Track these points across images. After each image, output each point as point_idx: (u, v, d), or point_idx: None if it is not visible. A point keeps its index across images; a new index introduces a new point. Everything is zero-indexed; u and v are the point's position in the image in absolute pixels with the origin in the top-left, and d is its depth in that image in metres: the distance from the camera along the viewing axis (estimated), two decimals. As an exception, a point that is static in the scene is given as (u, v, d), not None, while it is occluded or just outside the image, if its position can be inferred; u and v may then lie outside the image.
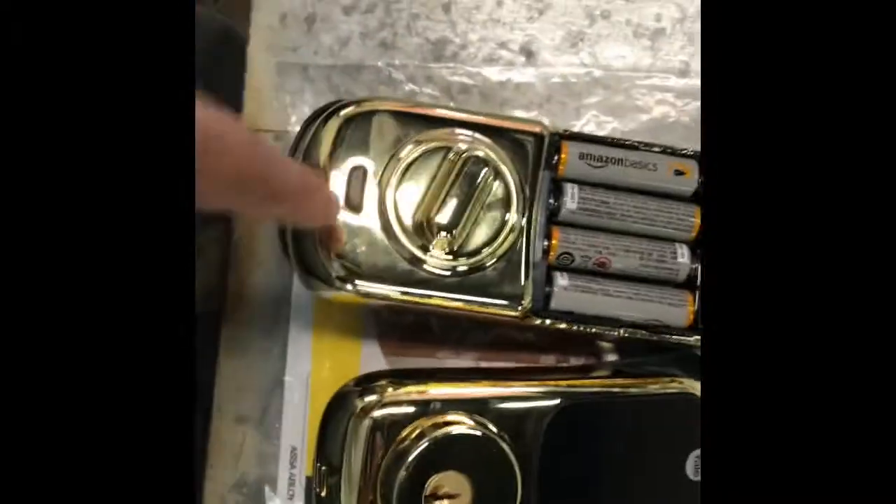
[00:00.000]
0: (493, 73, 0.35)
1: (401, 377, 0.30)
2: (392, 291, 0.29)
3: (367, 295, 0.29)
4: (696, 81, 0.35)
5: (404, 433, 0.28)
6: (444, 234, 0.28)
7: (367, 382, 0.30)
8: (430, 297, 0.29)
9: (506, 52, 0.35)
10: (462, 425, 0.28)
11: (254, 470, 0.34)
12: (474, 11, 0.35)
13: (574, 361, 0.35)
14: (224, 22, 0.48)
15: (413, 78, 0.35)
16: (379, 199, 0.28)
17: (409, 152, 0.29)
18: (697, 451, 0.32)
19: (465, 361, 0.35)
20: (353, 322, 0.35)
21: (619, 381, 0.32)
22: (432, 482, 0.27)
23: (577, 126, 0.34)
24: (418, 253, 0.28)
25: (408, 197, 0.29)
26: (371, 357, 0.35)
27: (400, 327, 0.35)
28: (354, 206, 0.28)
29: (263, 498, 0.34)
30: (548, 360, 0.35)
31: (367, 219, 0.29)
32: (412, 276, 0.29)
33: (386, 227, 0.28)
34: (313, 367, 0.35)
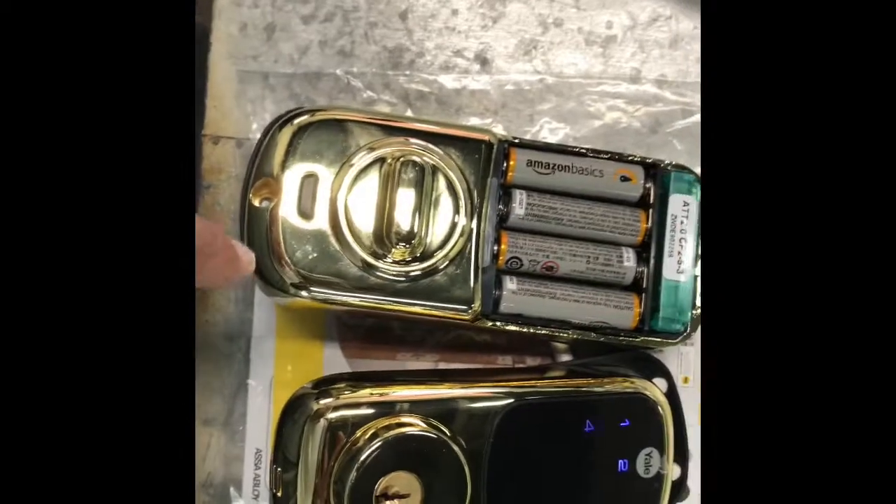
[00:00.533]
0: (449, 81, 0.36)
1: (358, 380, 0.31)
2: (345, 297, 0.30)
3: (323, 301, 0.30)
4: (646, 87, 0.36)
5: (358, 434, 0.28)
6: (402, 244, 0.29)
7: (324, 385, 0.30)
8: (383, 301, 0.30)
9: (461, 60, 0.36)
10: (413, 427, 0.29)
11: (220, 471, 0.34)
12: (430, 20, 0.36)
13: (530, 362, 0.36)
14: (201, 24, 0.49)
15: (371, 85, 0.35)
16: (330, 207, 0.29)
17: (360, 159, 0.29)
18: (648, 449, 0.33)
19: (424, 363, 0.35)
20: (315, 326, 0.35)
21: (572, 380, 0.32)
22: (383, 482, 0.28)
23: (531, 132, 0.35)
24: (370, 259, 0.29)
25: (360, 204, 0.29)
26: (333, 360, 0.36)
27: (361, 330, 0.36)
28: (306, 213, 0.29)
29: (229, 498, 0.34)
30: (504, 360, 0.36)
31: (320, 226, 0.29)
32: (365, 281, 0.29)
33: (337, 233, 0.29)
34: (276, 371, 0.35)
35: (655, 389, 0.33)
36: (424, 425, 0.29)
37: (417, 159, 0.29)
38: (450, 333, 0.35)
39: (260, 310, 0.35)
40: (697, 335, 0.36)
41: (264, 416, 0.35)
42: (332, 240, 0.29)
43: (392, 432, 0.28)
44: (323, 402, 0.29)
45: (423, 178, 0.29)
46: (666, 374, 0.35)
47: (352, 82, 0.35)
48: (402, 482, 0.28)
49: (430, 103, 0.35)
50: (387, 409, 0.29)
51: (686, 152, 0.35)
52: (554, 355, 0.35)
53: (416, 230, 0.29)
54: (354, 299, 0.29)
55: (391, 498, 0.28)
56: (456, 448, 0.29)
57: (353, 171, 0.29)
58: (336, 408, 0.29)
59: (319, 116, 0.29)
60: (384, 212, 0.29)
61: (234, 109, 0.35)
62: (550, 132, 0.35)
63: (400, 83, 0.36)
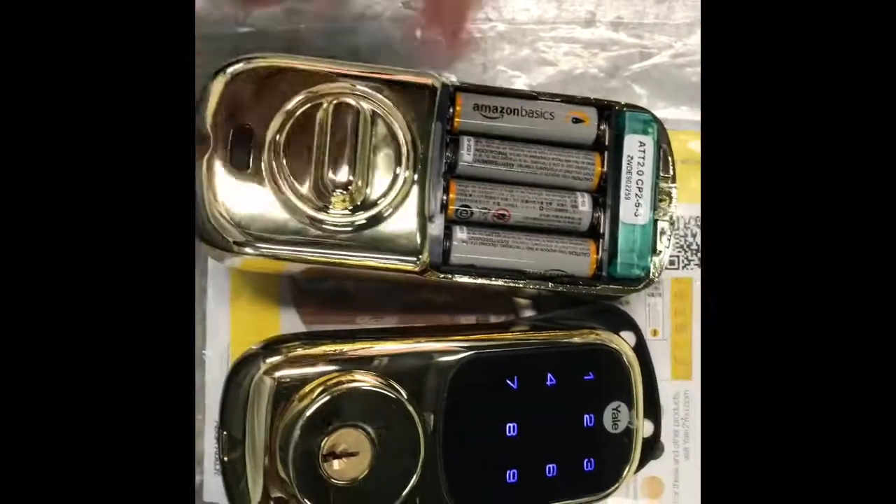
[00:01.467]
0: (399, 32, 0.34)
1: (312, 338, 0.30)
2: (291, 252, 0.28)
3: (270, 257, 0.28)
4: (602, 31, 0.35)
5: (303, 392, 0.27)
6: (339, 191, 0.28)
7: (275, 344, 0.29)
8: (329, 254, 0.28)
9: (411, 11, 0.35)
10: (360, 381, 0.27)
11: (180, 446, 0.33)
12: (377, -29, 0.35)
13: (494, 320, 0.35)
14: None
15: (319, 40, 0.34)
16: (267, 158, 0.28)
17: (295, 107, 0.28)
18: (615, 403, 0.31)
19: (384, 326, 0.34)
20: (271, 291, 0.34)
21: (533, 333, 0.31)
22: (329, 440, 0.27)
23: (485, 82, 0.34)
24: (311, 210, 0.28)
25: (298, 153, 0.28)
26: (291, 326, 0.35)
27: (317, 294, 0.35)
28: (243, 166, 0.28)
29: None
30: (468, 320, 0.35)
31: (259, 179, 0.28)
32: (309, 234, 0.28)
33: (276, 185, 0.28)
34: (232, 340, 0.34)
35: (621, 341, 0.32)
36: (373, 380, 0.28)
37: (352, 102, 0.28)
38: (409, 294, 0.34)
39: (214, 278, 0.34)
40: (666, 287, 0.35)
41: (222, 387, 0.34)
42: (272, 192, 0.28)
43: (336, 388, 0.27)
44: (269, 360, 0.28)
45: (358, 123, 0.28)
46: (633, 327, 0.33)
47: (300, 37, 0.34)
48: (350, 439, 0.27)
49: (380, 56, 0.34)
50: (336, 365, 0.28)
51: (646, 95, 0.34)
52: (518, 312, 0.34)
53: (351, 177, 0.28)
54: (300, 253, 0.28)
55: (339, 456, 0.27)
56: (407, 403, 0.28)
57: (290, 120, 0.28)
58: (282, 365, 0.28)
59: (256, 64, 0.28)
60: (319, 159, 0.28)
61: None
62: (505, 81, 0.34)
63: (348, 37, 0.34)
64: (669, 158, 0.31)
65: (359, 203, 0.28)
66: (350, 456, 0.27)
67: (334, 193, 0.28)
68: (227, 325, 0.34)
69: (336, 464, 0.27)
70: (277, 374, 0.28)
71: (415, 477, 0.28)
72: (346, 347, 0.29)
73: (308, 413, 0.26)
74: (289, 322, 0.35)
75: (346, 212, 0.28)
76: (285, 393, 0.27)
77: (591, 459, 0.31)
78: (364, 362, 0.28)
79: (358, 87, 0.29)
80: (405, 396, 0.28)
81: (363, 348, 0.29)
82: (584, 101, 0.30)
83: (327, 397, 0.27)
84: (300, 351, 0.28)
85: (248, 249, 0.28)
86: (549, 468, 0.30)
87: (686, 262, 0.35)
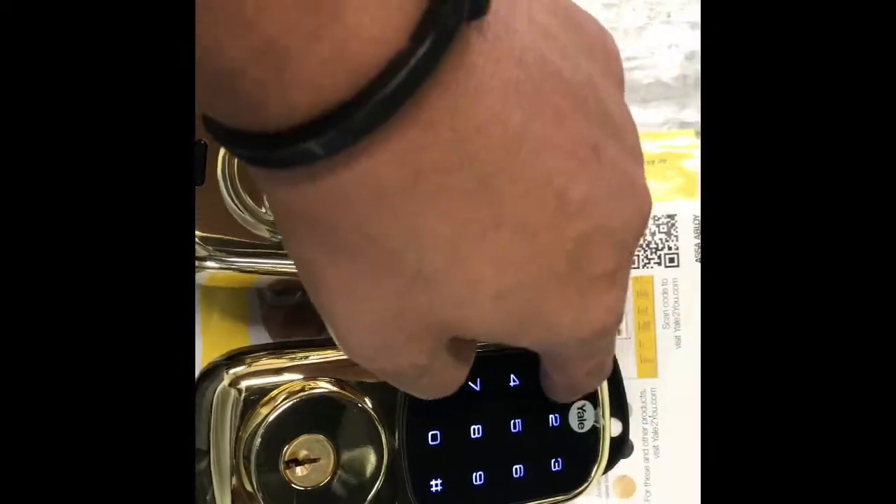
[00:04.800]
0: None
1: (275, 349, 0.30)
2: (252, 264, 0.29)
3: (236, 269, 0.29)
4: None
5: (265, 400, 0.28)
6: None
7: (239, 356, 0.30)
8: (290, 265, 0.29)
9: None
10: (321, 388, 0.28)
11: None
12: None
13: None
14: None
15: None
16: (223, 171, 0.28)
17: (249, 122, 0.29)
18: (580, 403, 0.32)
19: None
20: (239, 308, 0.35)
21: (497, 337, 0.32)
22: (291, 446, 0.27)
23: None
24: (269, 216, 0.28)
25: (254, 167, 0.29)
26: (260, 341, 0.35)
27: (284, 308, 0.35)
28: (200, 181, 0.28)
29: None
30: (435, 327, 0.35)
31: (215, 192, 0.29)
32: (270, 244, 0.29)
33: (233, 198, 0.28)
34: (203, 359, 0.34)
35: (584, 341, 0.32)
36: (335, 387, 0.28)
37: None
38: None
39: (183, 297, 0.34)
40: (629, 286, 0.35)
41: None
42: (229, 205, 0.28)
43: (298, 395, 0.27)
44: (233, 371, 0.28)
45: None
46: (597, 327, 0.34)
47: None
48: (312, 445, 0.27)
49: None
50: (298, 374, 0.28)
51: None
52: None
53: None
54: (262, 265, 0.29)
55: (301, 463, 0.27)
56: (370, 408, 0.28)
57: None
58: (246, 375, 0.28)
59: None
60: (272, 168, 0.28)
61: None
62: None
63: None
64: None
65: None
66: (312, 462, 0.27)
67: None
68: (199, 345, 0.35)
69: (298, 470, 0.27)
70: (241, 384, 0.28)
71: (379, 481, 0.28)
72: (308, 355, 0.29)
73: (269, 421, 0.27)
74: (257, 338, 0.35)
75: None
76: (249, 403, 0.28)
77: (559, 459, 0.31)
78: (326, 369, 0.29)
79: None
80: (367, 401, 0.28)
81: (325, 356, 0.29)
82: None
83: (288, 405, 0.27)
84: (263, 361, 0.29)
85: (209, 263, 0.29)
86: (516, 469, 0.30)
87: (646, 260, 0.35)
